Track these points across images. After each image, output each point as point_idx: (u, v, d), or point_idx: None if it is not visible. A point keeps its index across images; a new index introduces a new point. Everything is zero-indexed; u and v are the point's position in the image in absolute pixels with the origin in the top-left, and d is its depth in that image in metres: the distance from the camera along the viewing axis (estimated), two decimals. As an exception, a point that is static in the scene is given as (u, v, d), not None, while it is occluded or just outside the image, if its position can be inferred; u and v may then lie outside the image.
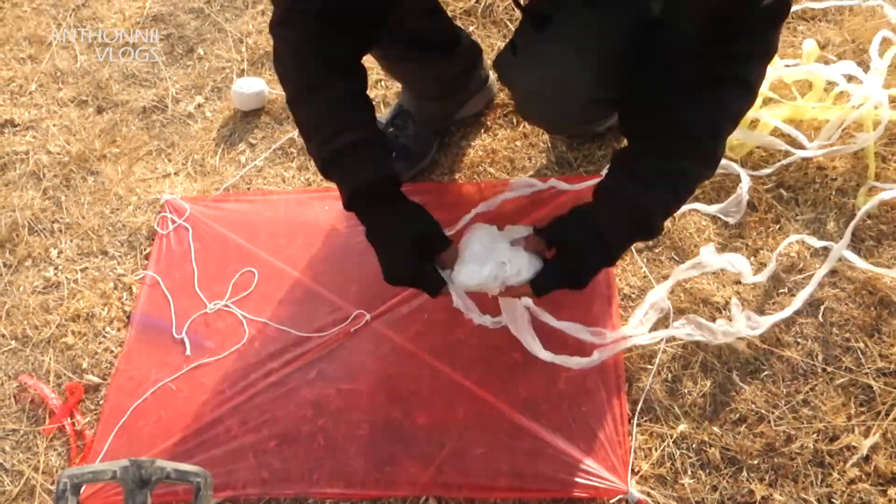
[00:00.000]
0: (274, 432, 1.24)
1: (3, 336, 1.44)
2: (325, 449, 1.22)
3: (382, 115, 1.56)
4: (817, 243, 1.29)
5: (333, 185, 1.04)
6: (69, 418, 1.28)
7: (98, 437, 1.27)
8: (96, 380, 1.35)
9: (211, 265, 1.46)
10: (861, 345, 1.20)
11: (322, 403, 1.26)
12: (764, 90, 1.46)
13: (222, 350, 1.34)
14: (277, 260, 1.45)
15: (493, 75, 1.57)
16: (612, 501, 1.11)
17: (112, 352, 1.39)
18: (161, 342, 1.37)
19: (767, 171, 1.38)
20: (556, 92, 1.13)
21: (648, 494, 1.11)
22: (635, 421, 1.17)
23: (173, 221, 1.52)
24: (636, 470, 1.13)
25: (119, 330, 1.42)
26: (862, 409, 1.14)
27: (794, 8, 1.62)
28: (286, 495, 1.18)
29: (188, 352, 1.35)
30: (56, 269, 1.53)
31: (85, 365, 1.37)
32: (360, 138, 1.01)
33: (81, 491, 1.01)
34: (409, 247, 1.02)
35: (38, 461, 1.22)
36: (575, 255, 1.01)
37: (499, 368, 1.25)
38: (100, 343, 1.41)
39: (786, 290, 1.27)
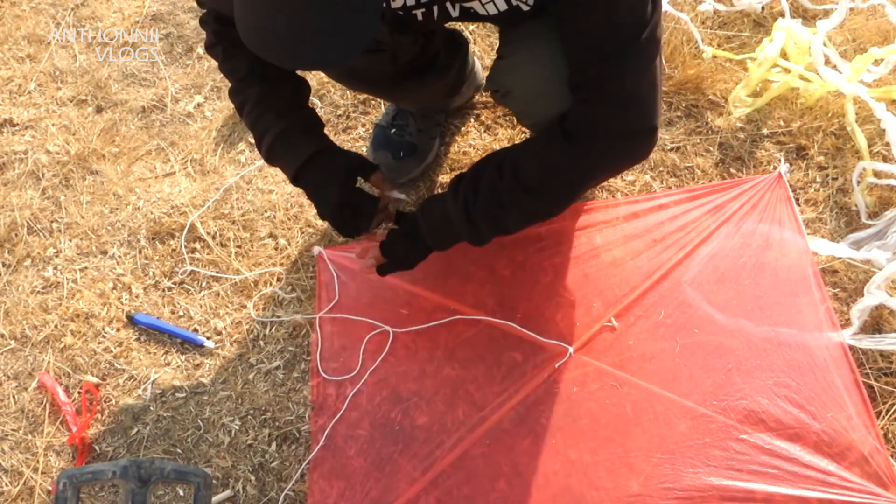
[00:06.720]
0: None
1: (3, 336, 1.44)
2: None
3: (380, 115, 1.56)
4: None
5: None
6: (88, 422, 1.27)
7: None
8: (94, 380, 1.35)
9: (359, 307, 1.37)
10: (862, 344, 1.20)
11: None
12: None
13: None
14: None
15: (477, 62, 1.55)
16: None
17: (111, 351, 1.39)
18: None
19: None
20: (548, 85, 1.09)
21: (649, 494, 1.10)
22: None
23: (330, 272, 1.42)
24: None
25: (118, 330, 1.42)
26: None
27: (797, 9, 1.62)
28: None
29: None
30: (55, 268, 1.53)
31: (84, 365, 1.37)
32: (281, 130, 1.14)
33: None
34: (344, 176, 1.15)
35: (38, 462, 1.22)
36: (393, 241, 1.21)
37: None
38: (99, 343, 1.40)
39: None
